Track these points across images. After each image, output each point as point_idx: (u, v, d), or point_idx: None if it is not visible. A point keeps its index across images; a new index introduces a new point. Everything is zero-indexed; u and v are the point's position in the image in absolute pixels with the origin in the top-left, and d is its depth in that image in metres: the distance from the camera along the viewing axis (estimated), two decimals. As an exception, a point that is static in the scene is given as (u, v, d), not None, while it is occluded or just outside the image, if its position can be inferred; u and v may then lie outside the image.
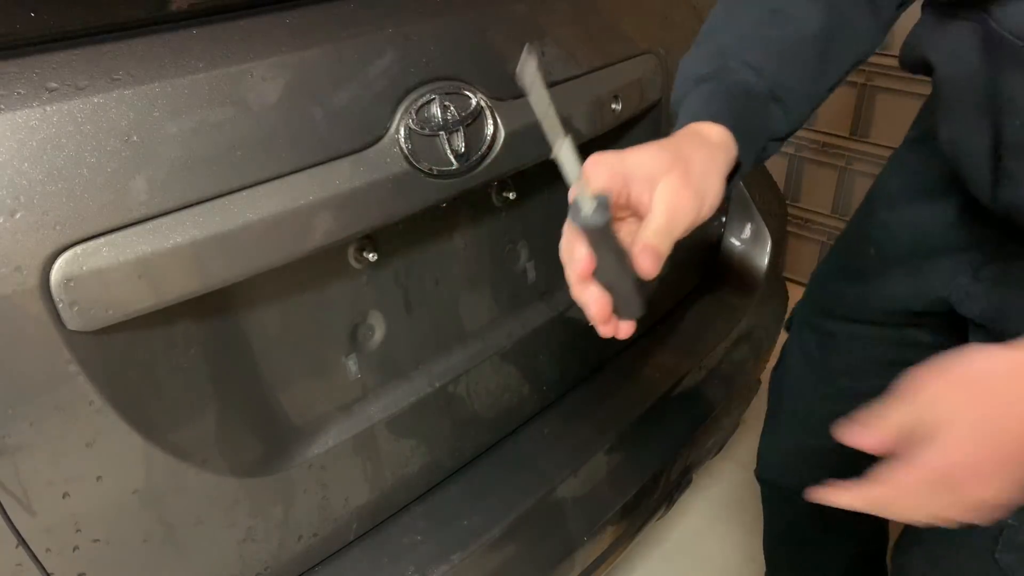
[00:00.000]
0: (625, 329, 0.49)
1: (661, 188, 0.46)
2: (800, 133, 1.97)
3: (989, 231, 0.68)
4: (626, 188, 0.47)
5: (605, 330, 0.49)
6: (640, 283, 0.46)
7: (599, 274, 0.46)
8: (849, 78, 0.68)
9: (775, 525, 1.12)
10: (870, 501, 0.46)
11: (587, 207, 0.43)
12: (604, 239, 0.44)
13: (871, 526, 1.05)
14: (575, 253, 0.46)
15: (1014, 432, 0.41)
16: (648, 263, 0.45)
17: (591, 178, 0.46)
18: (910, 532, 0.81)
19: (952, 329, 0.78)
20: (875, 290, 0.83)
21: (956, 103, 0.63)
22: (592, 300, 0.47)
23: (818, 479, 0.99)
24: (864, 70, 1.77)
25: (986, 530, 0.69)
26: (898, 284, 0.80)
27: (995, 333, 0.68)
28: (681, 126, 0.54)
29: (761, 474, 1.06)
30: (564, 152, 0.44)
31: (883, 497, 0.45)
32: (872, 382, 0.86)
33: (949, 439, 0.42)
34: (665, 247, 0.46)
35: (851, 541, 1.05)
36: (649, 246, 0.45)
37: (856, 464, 0.98)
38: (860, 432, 0.47)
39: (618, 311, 0.48)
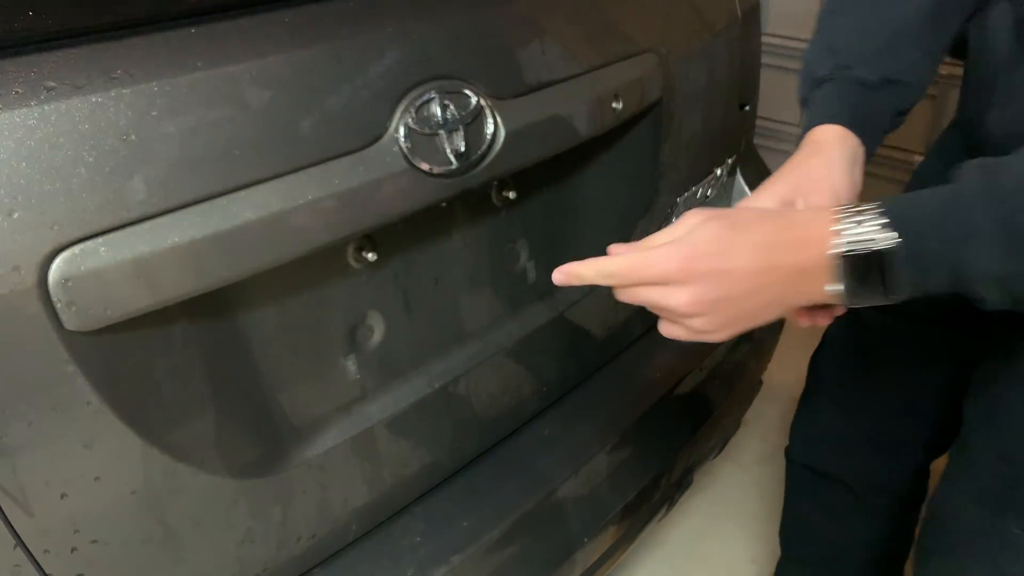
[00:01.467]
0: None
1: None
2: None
3: None
4: None
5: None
6: None
7: None
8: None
9: (797, 507, 1.11)
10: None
11: None
12: None
13: (897, 520, 1.04)
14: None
15: (767, 296, 0.48)
16: None
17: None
18: (926, 541, 0.81)
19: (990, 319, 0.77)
20: None
21: (983, 87, 0.63)
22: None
23: (851, 461, 1.00)
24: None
25: (987, 550, 0.69)
26: None
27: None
28: (807, 127, 0.62)
29: (793, 455, 1.06)
30: None
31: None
32: (914, 372, 0.87)
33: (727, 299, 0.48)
34: None
35: (873, 529, 1.04)
36: None
37: (889, 448, 0.98)
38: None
39: None
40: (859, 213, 0.45)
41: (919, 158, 1.93)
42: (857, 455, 0.97)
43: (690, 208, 0.79)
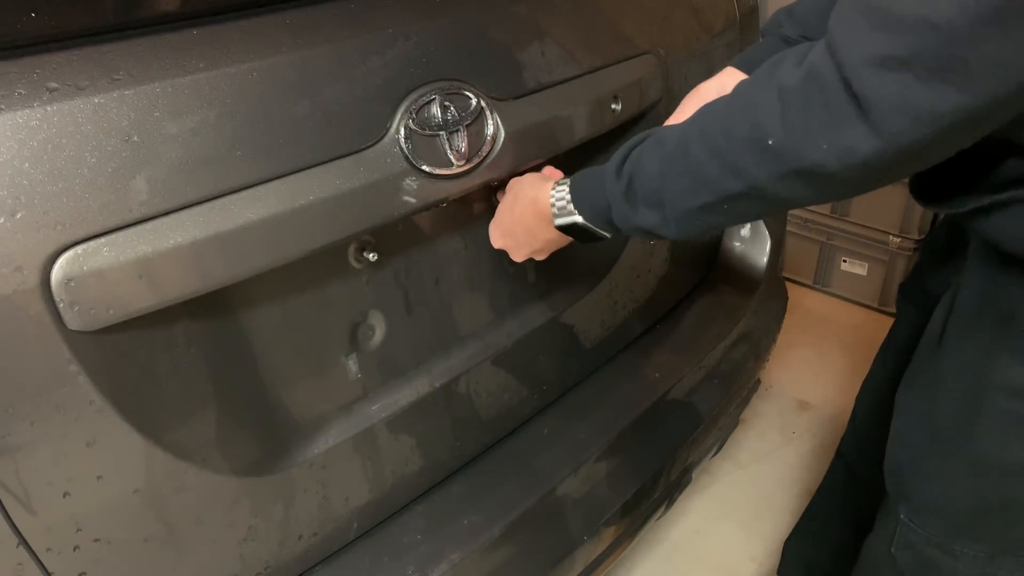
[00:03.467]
0: None
1: None
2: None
3: None
4: None
5: None
6: None
7: None
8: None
9: (822, 495, 1.13)
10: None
11: None
12: None
13: None
14: None
15: (514, 215, 0.73)
16: None
17: None
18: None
19: None
20: (929, 275, 0.87)
21: None
22: None
23: (866, 452, 1.02)
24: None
25: (885, 529, 0.76)
26: (936, 272, 0.84)
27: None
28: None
29: (841, 446, 1.09)
30: None
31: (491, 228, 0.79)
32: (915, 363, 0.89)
33: (499, 210, 0.77)
34: None
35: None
36: None
37: (878, 436, 0.99)
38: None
39: None
40: (561, 187, 0.67)
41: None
42: (875, 452, 0.98)
43: None
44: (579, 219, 0.65)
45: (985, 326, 0.62)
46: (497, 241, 0.77)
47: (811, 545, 1.18)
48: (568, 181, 0.66)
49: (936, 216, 0.91)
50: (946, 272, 0.80)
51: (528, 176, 0.75)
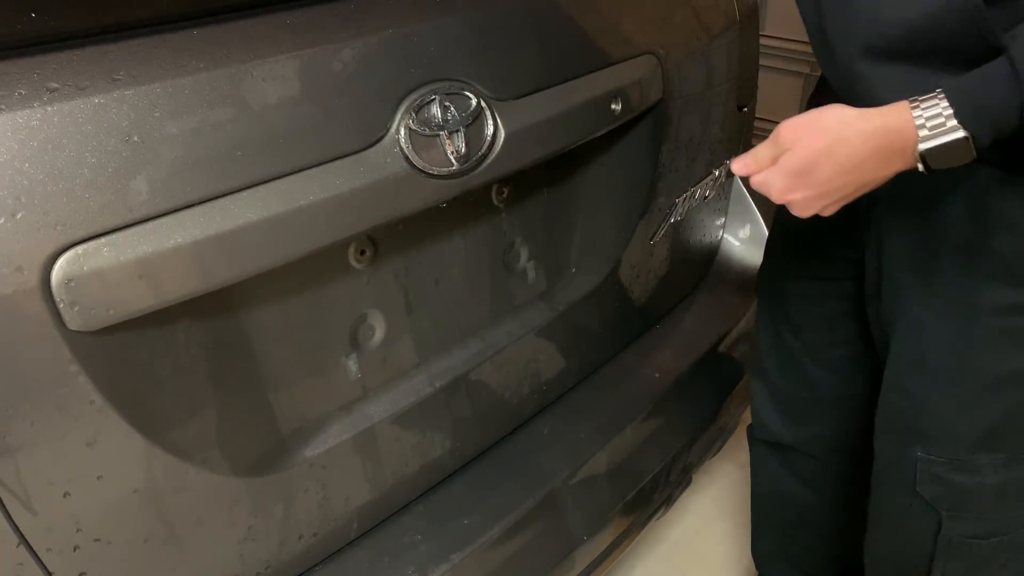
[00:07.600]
0: None
1: None
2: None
3: None
4: None
5: None
6: None
7: None
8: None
9: (766, 482, 1.14)
10: (756, 181, 0.67)
11: None
12: None
13: (860, 478, 1.06)
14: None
15: (837, 155, 0.60)
16: None
17: None
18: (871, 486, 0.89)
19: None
20: (811, 242, 0.88)
21: None
22: None
23: (802, 426, 1.05)
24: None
25: (900, 479, 0.79)
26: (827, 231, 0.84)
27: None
28: None
29: (751, 432, 1.10)
30: None
31: (761, 180, 0.66)
32: (830, 330, 0.91)
33: (797, 153, 0.62)
34: None
35: (840, 489, 1.05)
36: None
37: (831, 406, 1.03)
38: (744, 166, 0.68)
39: None
40: (931, 103, 0.57)
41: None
42: (804, 418, 1.01)
43: (688, 208, 0.80)
44: (960, 134, 0.56)
45: (957, 263, 0.68)
46: (785, 194, 0.64)
47: (780, 539, 1.18)
48: (939, 94, 0.57)
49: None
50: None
51: (832, 111, 0.62)
